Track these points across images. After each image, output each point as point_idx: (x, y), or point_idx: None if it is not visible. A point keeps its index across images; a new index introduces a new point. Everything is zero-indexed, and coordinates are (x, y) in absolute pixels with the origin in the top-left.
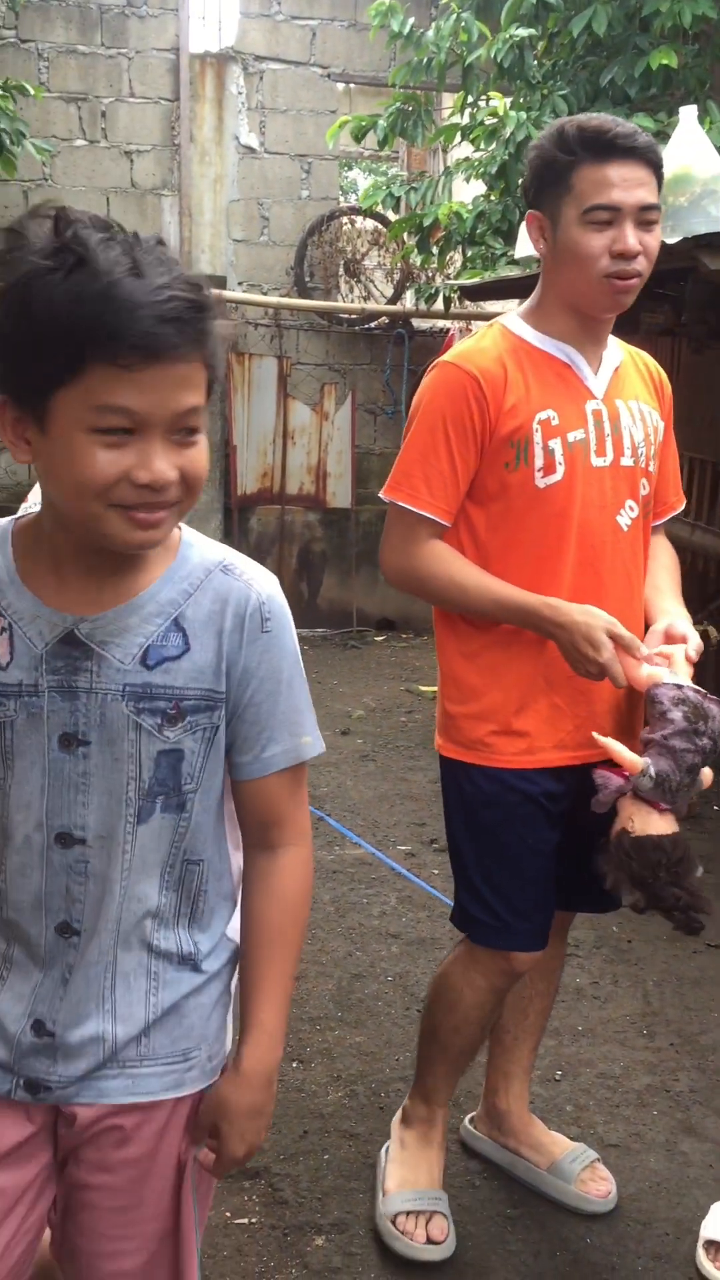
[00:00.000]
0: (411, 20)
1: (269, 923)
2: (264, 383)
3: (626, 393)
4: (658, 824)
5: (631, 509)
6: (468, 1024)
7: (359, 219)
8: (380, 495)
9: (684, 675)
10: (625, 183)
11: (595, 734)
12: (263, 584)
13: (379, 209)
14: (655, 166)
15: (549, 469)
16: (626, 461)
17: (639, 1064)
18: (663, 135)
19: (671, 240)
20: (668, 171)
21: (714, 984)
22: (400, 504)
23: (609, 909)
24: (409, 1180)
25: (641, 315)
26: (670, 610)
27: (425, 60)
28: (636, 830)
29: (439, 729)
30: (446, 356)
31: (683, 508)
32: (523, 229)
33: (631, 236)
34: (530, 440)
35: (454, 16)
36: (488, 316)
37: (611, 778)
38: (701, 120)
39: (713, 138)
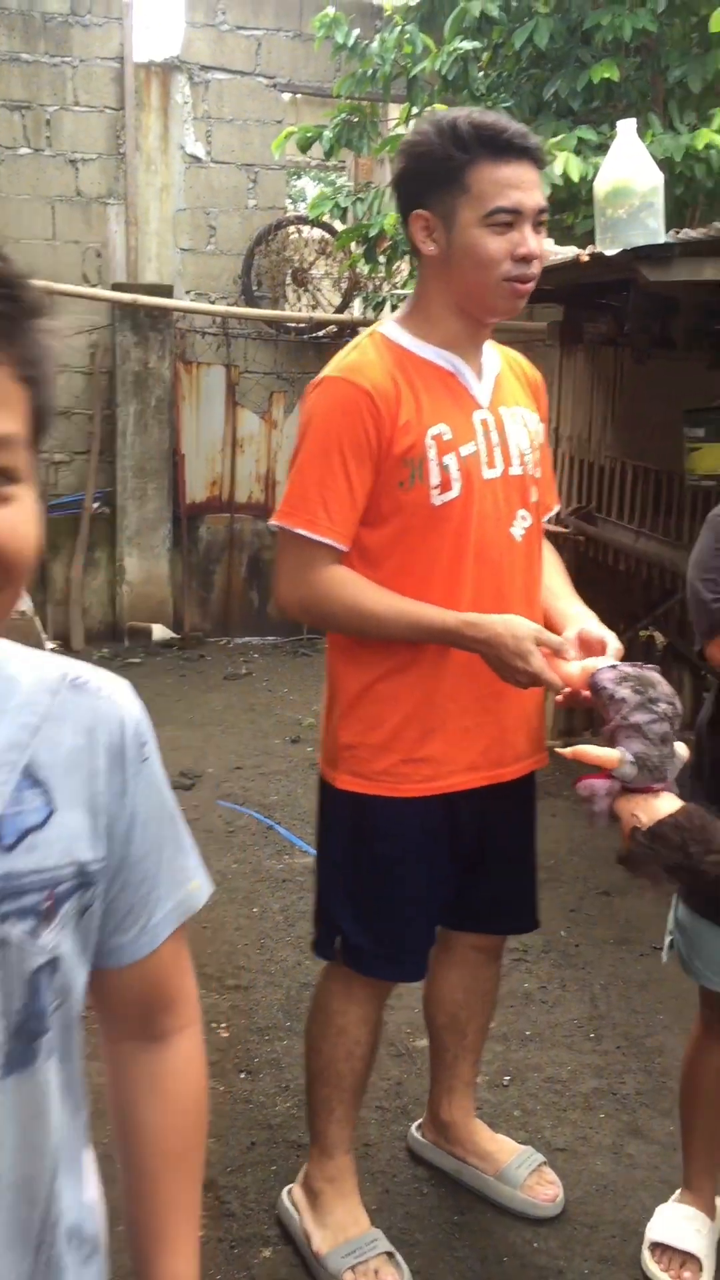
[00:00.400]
0: (356, 31)
1: (168, 1142)
2: (212, 391)
3: (509, 399)
4: (662, 807)
5: (524, 518)
6: (359, 1047)
7: (306, 228)
8: (271, 523)
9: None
10: (524, 184)
11: (558, 749)
12: (125, 696)
13: (326, 219)
14: (542, 168)
15: (445, 486)
16: (515, 470)
17: (586, 1067)
18: (604, 148)
19: (610, 252)
20: (606, 184)
21: (660, 986)
22: (298, 531)
23: (526, 929)
24: (339, 1235)
25: (584, 325)
26: (576, 614)
27: (370, 71)
28: (645, 822)
29: (328, 761)
30: (332, 371)
31: (557, 509)
32: None
33: (533, 240)
34: (424, 457)
35: (398, 29)
36: None
37: (595, 784)
38: (643, 133)
39: (654, 150)
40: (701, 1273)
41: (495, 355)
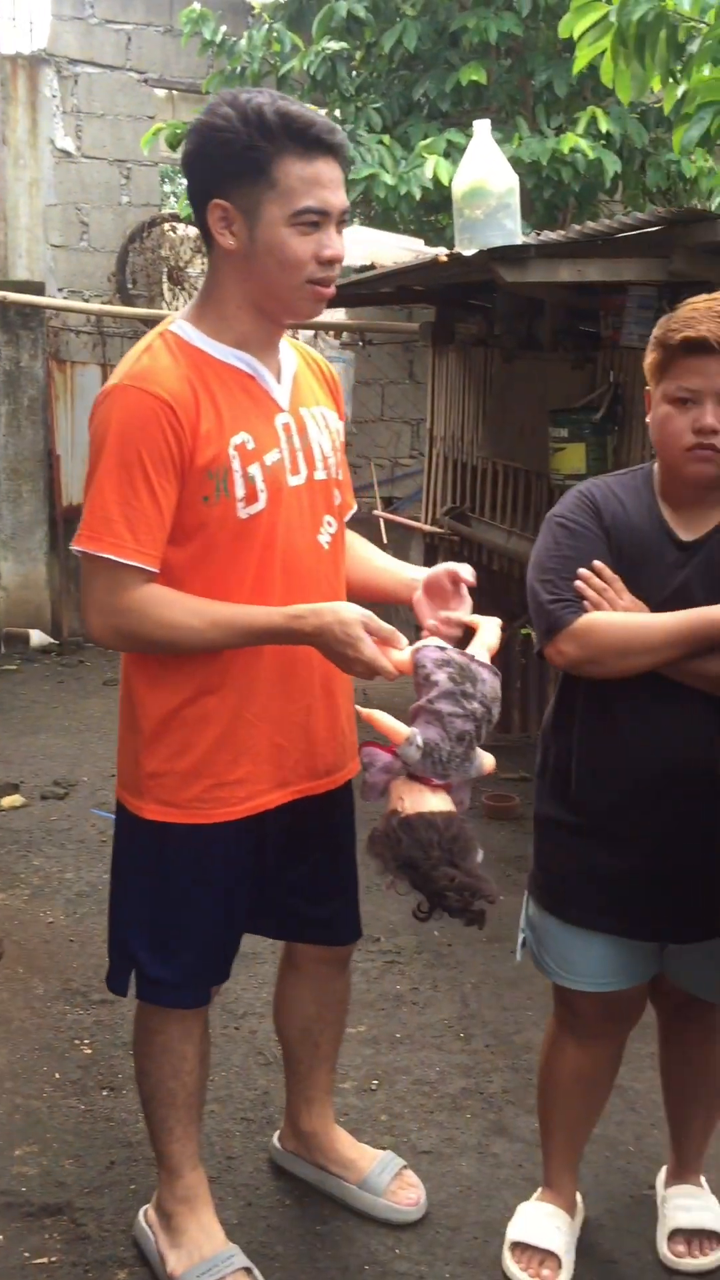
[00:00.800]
0: (224, 28)
1: None
2: (87, 390)
3: (309, 399)
4: (431, 802)
5: (330, 525)
6: (185, 1062)
7: (182, 226)
8: (73, 548)
9: (485, 645)
10: (333, 184)
11: (358, 707)
12: None
13: None
14: (347, 166)
15: (250, 498)
16: (320, 475)
17: (455, 1068)
18: None
19: (468, 253)
20: (463, 185)
21: (529, 983)
22: (104, 556)
23: (344, 941)
24: (194, 1254)
25: (456, 326)
26: (413, 570)
27: (239, 69)
28: (407, 810)
29: (130, 790)
30: (123, 379)
31: (354, 510)
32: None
33: (338, 242)
34: (229, 469)
35: (266, 26)
36: (313, 325)
37: (378, 753)
38: (510, 137)
39: (521, 154)
40: (560, 1270)
41: (291, 353)
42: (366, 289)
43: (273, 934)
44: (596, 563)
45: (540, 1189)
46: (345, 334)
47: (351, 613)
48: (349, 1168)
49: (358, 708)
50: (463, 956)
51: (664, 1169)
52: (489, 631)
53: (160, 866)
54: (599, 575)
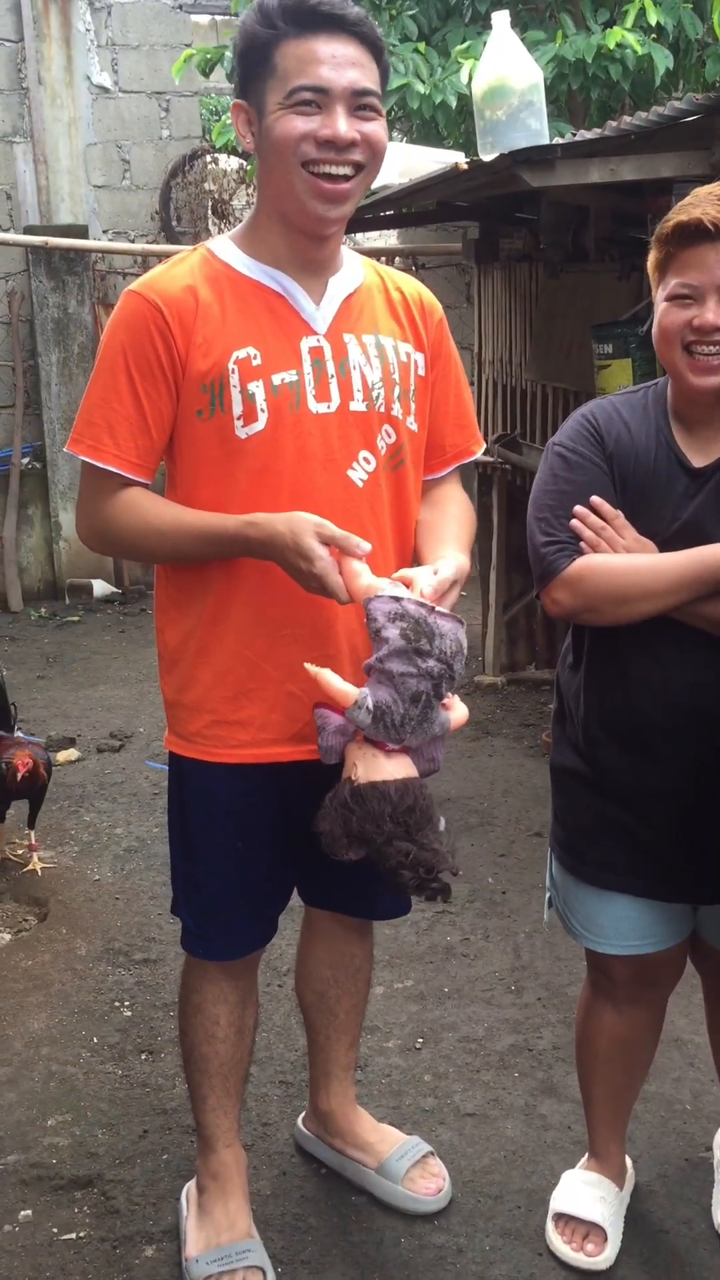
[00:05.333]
0: None
1: None
2: None
3: (362, 326)
4: (386, 768)
5: (368, 461)
6: (217, 1027)
7: (224, 157)
8: (64, 449)
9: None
10: (334, 60)
11: (306, 664)
12: None
13: (234, 144)
14: (372, 45)
15: (249, 416)
16: (358, 406)
17: (503, 1023)
18: None
19: (489, 157)
20: (483, 84)
21: None
22: (83, 458)
23: (393, 915)
24: (211, 1239)
25: (500, 242)
26: (444, 555)
27: None
28: (360, 778)
29: (166, 718)
30: (132, 285)
31: (480, 452)
32: None
33: (343, 122)
34: (225, 382)
35: None
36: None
37: (330, 715)
38: (554, 35)
39: (565, 52)
40: (606, 1243)
41: (358, 275)
42: (393, 206)
43: (310, 899)
44: (595, 499)
45: (585, 1157)
46: (399, 259)
47: (308, 522)
48: (368, 1151)
49: (307, 665)
50: (517, 904)
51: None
52: (446, 568)
53: (180, 802)
54: (597, 512)
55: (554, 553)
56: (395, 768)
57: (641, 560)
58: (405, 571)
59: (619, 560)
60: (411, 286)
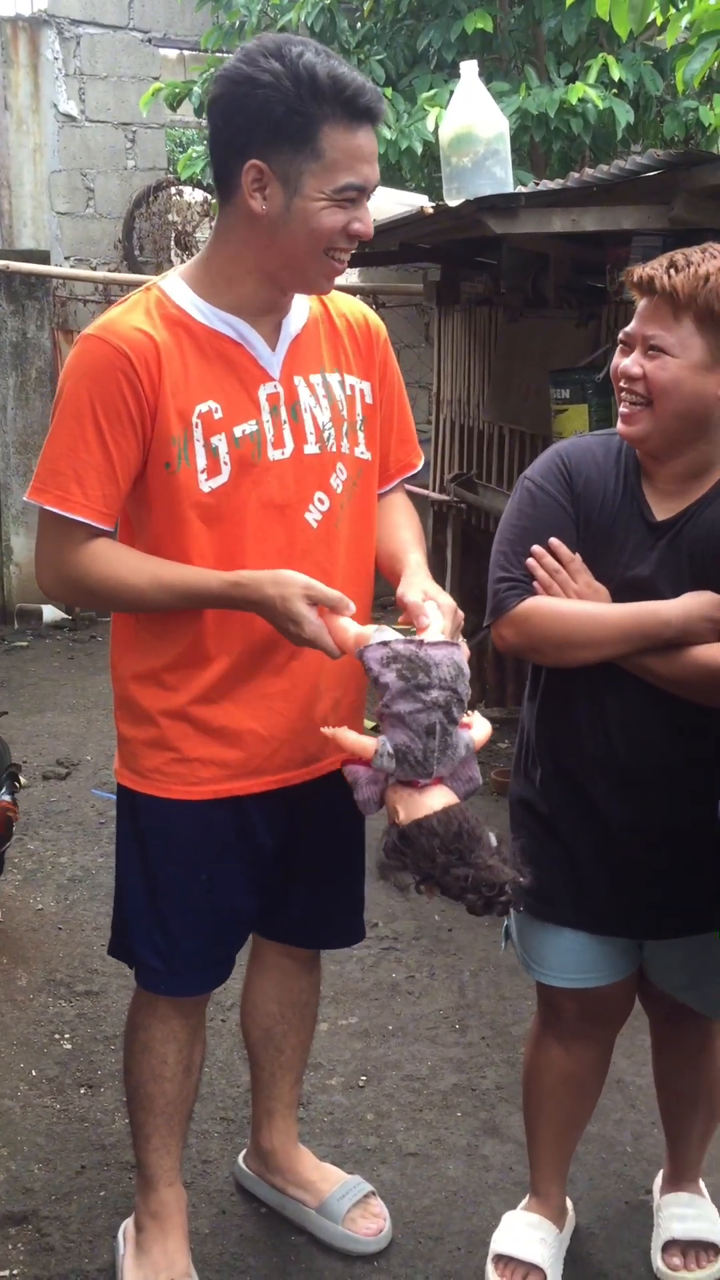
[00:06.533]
0: None
1: None
2: None
3: (309, 365)
4: (424, 804)
5: (322, 502)
6: (165, 1066)
7: (188, 189)
8: (25, 499)
9: (437, 632)
10: (372, 157)
11: (324, 729)
12: None
13: (200, 178)
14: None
15: (213, 470)
16: (311, 449)
17: (447, 1062)
18: None
19: (454, 202)
20: (450, 131)
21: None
22: (49, 509)
23: (346, 944)
24: (149, 1278)
25: (461, 285)
26: (409, 581)
27: (237, 23)
28: (403, 820)
29: (117, 751)
30: (91, 328)
31: (420, 465)
32: None
33: (369, 218)
34: (190, 437)
35: None
36: None
37: (359, 770)
38: (518, 87)
39: (529, 105)
40: None
41: (303, 311)
42: (368, 247)
43: (263, 931)
44: (553, 540)
45: (527, 1197)
46: (358, 296)
47: (292, 585)
48: (308, 1190)
49: (324, 729)
50: (463, 941)
51: (660, 1174)
52: (437, 615)
53: (135, 836)
54: (555, 553)
55: (506, 590)
56: (436, 799)
57: (586, 609)
58: (402, 595)
59: (565, 606)
60: (355, 310)
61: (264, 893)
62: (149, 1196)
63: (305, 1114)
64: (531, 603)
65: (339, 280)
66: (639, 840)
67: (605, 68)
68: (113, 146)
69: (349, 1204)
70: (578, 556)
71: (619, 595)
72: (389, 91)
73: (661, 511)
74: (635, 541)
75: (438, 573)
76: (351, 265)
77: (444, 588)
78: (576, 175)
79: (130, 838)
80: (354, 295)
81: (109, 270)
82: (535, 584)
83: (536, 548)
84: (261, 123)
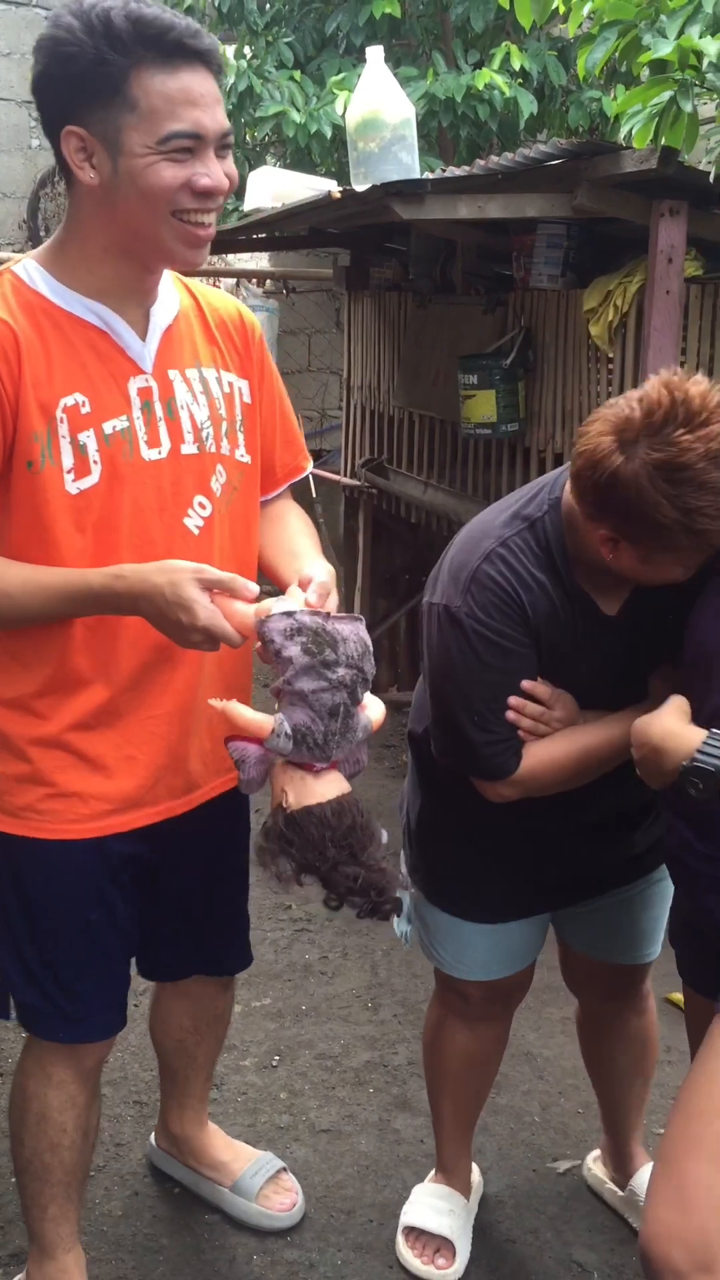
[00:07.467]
0: None
1: None
2: None
3: (185, 359)
4: (317, 790)
5: (203, 507)
6: (64, 1135)
7: None
8: None
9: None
10: (205, 100)
11: (212, 701)
12: None
13: None
14: (220, 76)
15: (81, 470)
16: (189, 449)
17: (360, 1040)
18: None
19: (361, 188)
20: (357, 116)
21: None
22: None
23: (231, 972)
24: None
25: (371, 271)
26: (304, 564)
27: None
28: (292, 804)
29: None
30: None
31: (309, 469)
32: (251, 179)
33: (216, 169)
34: (54, 432)
35: None
36: (234, 273)
37: (247, 748)
38: (425, 73)
39: (436, 90)
40: (455, 1255)
41: (174, 300)
42: (266, 230)
43: (158, 977)
44: (527, 684)
45: (434, 1171)
46: (269, 282)
47: (181, 571)
48: (221, 1170)
49: (212, 701)
50: (375, 922)
51: (597, 1153)
52: (317, 571)
53: (11, 876)
54: (531, 696)
55: (500, 752)
56: (327, 787)
57: (579, 746)
58: (272, 601)
59: (560, 752)
60: (229, 306)
61: (152, 928)
62: (45, 1265)
63: (219, 1095)
64: (530, 762)
65: (251, 265)
66: (557, 830)
67: (509, 56)
68: (16, 125)
69: (261, 1180)
70: (548, 689)
71: (594, 687)
72: (298, 74)
73: (608, 605)
74: (593, 640)
75: (349, 558)
76: (261, 249)
77: (355, 573)
78: (482, 163)
79: (7, 882)
80: (265, 279)
81: (13, 251)
82: (520, 732)
83: (514, 700)
84: (70, 85)
